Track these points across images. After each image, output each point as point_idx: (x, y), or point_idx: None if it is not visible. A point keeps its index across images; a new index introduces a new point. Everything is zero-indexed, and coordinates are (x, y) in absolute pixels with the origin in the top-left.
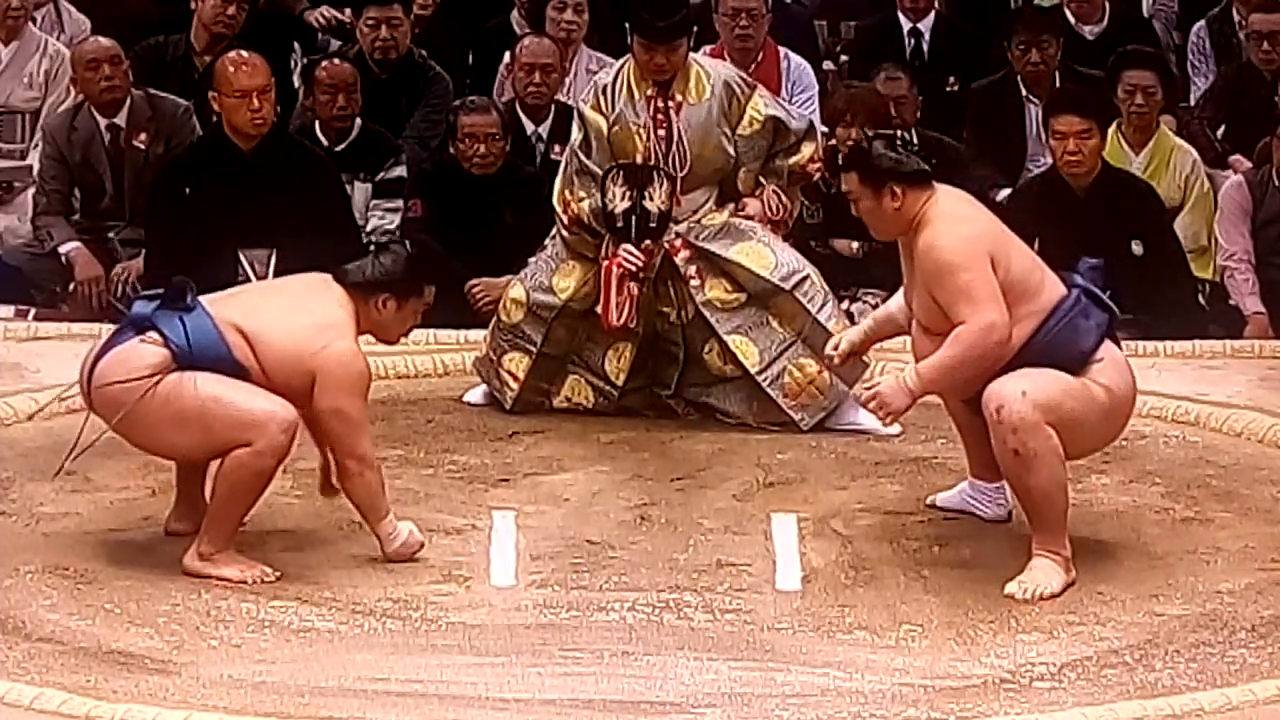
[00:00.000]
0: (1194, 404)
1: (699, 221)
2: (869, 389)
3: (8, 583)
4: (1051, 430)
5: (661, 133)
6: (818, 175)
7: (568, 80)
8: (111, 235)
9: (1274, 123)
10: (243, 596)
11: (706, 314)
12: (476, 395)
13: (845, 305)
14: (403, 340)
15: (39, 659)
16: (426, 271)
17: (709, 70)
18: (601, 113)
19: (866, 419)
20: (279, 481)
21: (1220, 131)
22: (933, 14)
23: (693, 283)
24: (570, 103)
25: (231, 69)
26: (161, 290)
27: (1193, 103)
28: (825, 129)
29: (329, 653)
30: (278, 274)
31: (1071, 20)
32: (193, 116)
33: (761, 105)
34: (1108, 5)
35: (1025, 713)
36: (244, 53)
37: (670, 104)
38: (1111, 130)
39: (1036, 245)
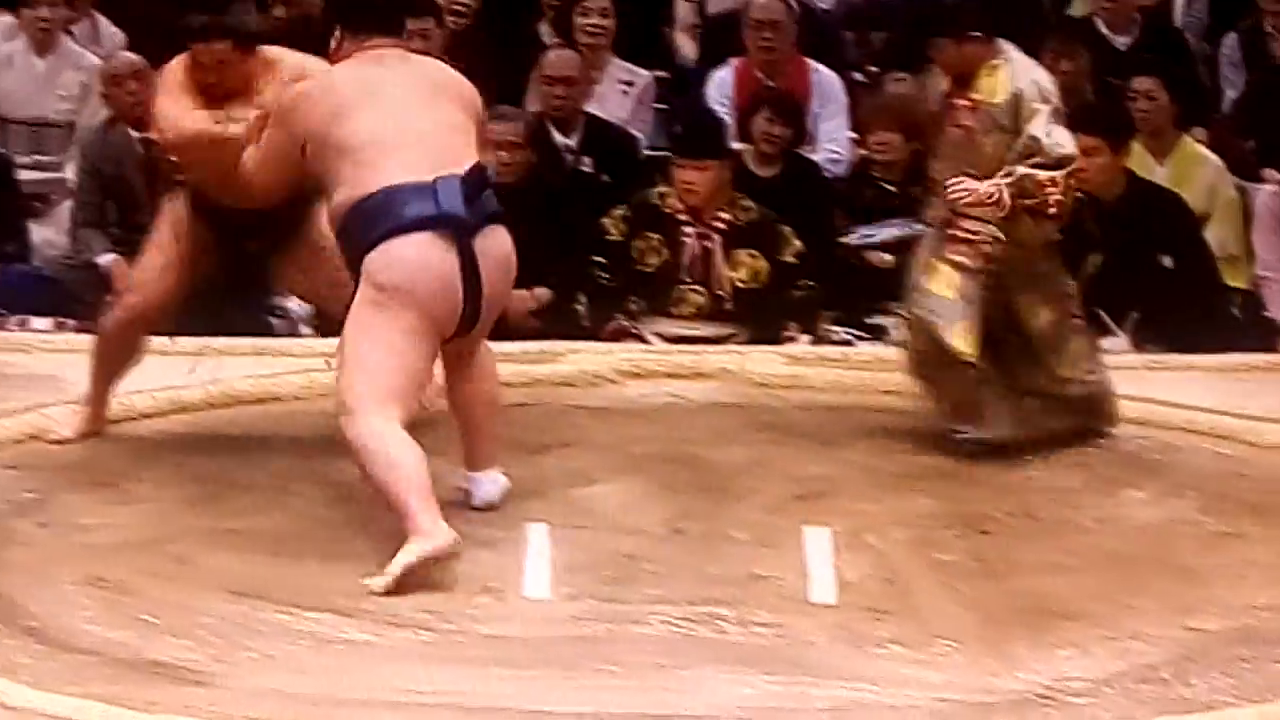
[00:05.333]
0: (1228, 417)
1: None
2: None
3: (46, 594)
4: (367, 411)
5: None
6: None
7: (598, 90)
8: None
9: None
10: (278, 608)
11: None
12: None
13: (875, 318)
14: None
15: (77, 670)
16: None
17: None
18: None
19: None
20: (313, 491)
21: (1252, 143)
22: None
23: None
24: (601, 114)
25: None
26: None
27: (1224, 113)
28: (855, 137)
29: (363, 664)
30: None
31: (1103, 30)
32: None
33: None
34: (1139, 16)
35: None
36: None
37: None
38: (1136, 141)
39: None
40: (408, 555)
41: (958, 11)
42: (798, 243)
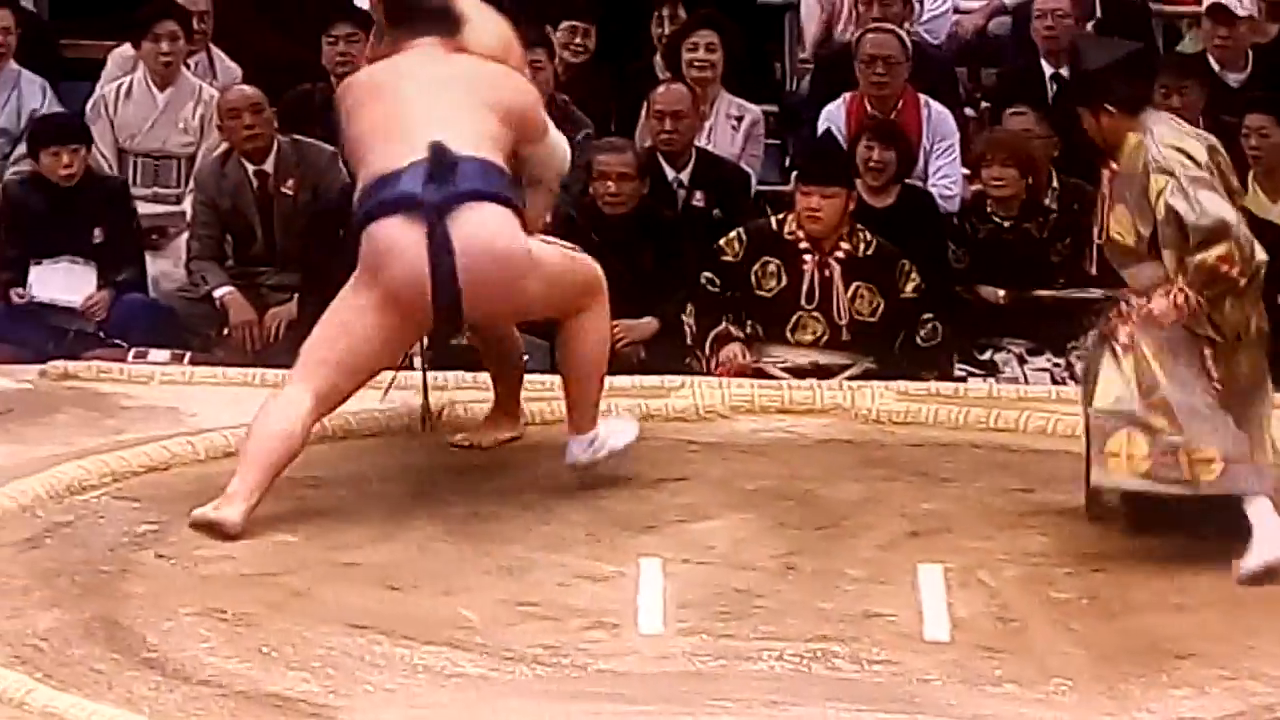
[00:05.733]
0: None
1: None
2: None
3: (167, 625)
4: (293, 378)
5: None
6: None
7: (707, 125)
8: (262, 280)
9: None
10: (395, 641)
11: None
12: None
13: (988, 354)
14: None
15: (198, 702)
16: None
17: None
18: None
19: None
20: (429, 523)
21: None
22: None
23: None
24: (712, 149)
25: None
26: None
27: None
28: (968, 172)
29: (480, 699)
30: None
31: (1216, 67)
32: (339, 162)
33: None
34: (1251, 52)
35: None
36: None
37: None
38: (1250, 179)
39: None
40: (204, 510)
41: (1094, 82)
42: (918, 278)
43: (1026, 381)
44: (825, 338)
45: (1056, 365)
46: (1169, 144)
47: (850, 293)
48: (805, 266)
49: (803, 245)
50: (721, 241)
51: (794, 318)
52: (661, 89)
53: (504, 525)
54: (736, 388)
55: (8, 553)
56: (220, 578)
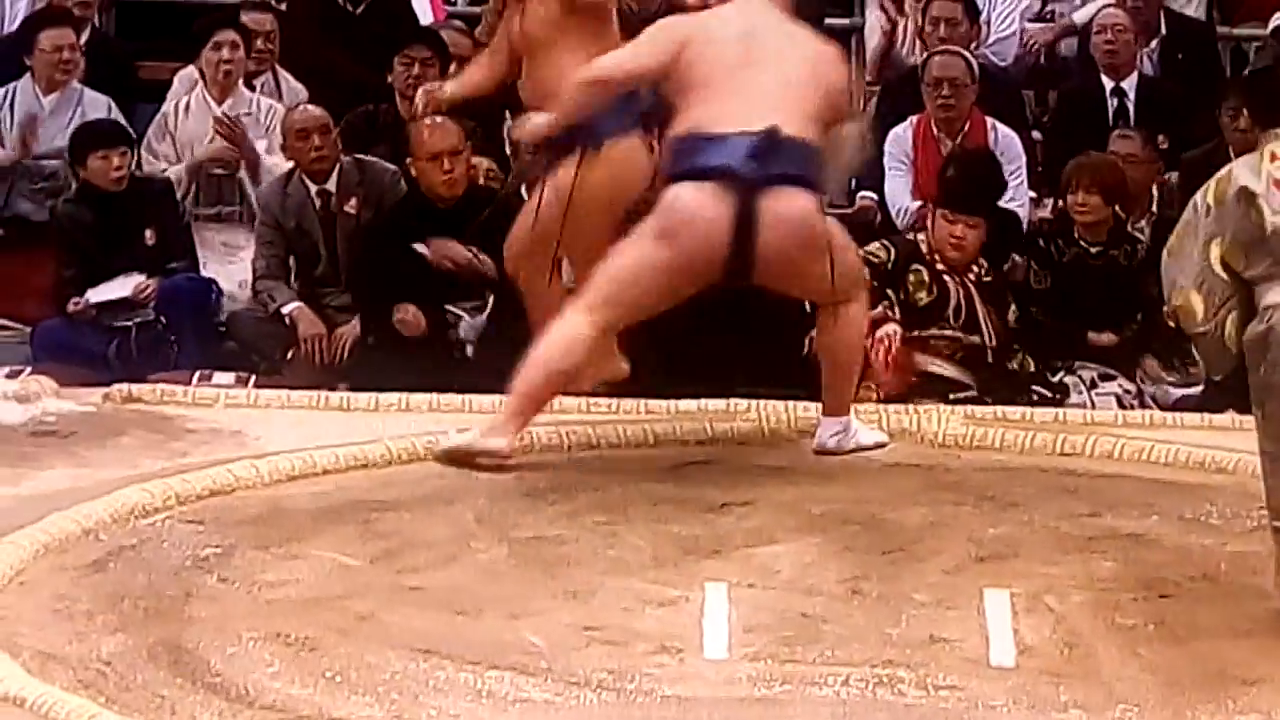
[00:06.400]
0: None
1: None
2: None
3: (231, 650)
4: (580, 308)
5: None
6: None
7: None
8: (327, 301)
9: None
10: (460, 665)
11: None
12: None
13: (1059, 376)
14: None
15: None
16: None
17: None
18: None
19: None
20: (496, 547)
21: None
22: (1135, 74)
23: None
24: None
25: (426, 134)
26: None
27: None
28: (1034, 195)
29: None
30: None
31: None
32: (401, 181)
33: None
34: None
35: None
36: (437, 117)
37: None
38: None
39: None
40: (462, 436)
41: (1234, 85)
42: (1017, 309)
43: (1093, 406)
44: (960, 355)
45: (1127, 392)
46: (1231, 166)
47: (984, 313)
48: (950, 285)
49: (939, 266)
50: (873, 245)
51: (937, 328)
52: None
53: (569, 549)
54: (803, 411)
55: (72, 576)
56: (284, 602)
